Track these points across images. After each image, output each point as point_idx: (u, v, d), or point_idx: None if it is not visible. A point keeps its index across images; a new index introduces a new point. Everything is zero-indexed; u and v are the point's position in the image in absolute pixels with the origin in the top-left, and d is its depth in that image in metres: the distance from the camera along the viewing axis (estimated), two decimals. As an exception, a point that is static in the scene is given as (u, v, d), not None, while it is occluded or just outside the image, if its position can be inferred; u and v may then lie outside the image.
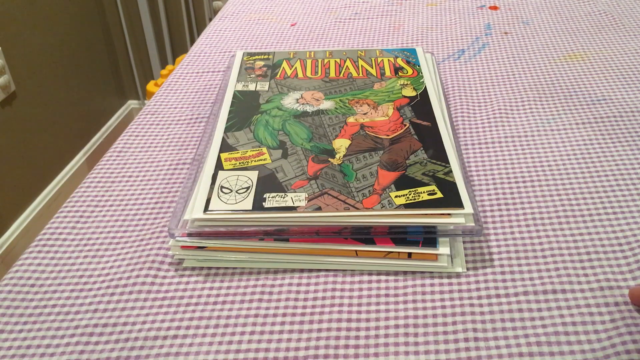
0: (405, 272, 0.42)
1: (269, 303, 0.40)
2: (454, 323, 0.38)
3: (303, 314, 0.39)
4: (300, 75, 0.60)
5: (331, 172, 0.46)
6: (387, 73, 0.60)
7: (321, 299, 0.40)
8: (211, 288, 0.42)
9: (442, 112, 0.54)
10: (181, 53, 1.91)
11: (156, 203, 0.50)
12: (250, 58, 0.63)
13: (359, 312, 0.39)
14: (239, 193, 0.44)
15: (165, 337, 0.38)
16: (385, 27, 0.80)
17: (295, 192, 0.44)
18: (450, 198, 0.43)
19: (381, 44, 0.76)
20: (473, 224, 0.41)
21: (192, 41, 1.91)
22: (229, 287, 0.42)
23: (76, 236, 0.47)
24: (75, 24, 1.71)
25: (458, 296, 0.40)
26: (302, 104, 0.55)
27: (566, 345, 0.36)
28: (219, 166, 0.47)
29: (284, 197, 0.43)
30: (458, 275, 0.42)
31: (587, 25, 0.77)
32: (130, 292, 0.41)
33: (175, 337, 0.38)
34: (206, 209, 0.42)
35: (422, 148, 0.48)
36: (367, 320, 0.39)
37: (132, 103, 2.08)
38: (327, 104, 0.55)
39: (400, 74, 0.59)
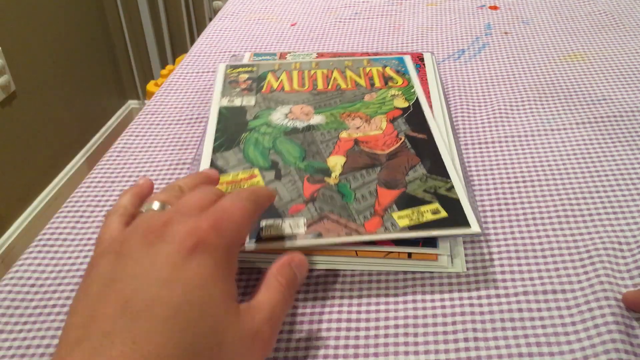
0: (405, 272, 0.42)
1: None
2: (454, 323, 0.38)
3: (303, 314, 0.39)
4: (287, 88, 0.57)
5: (328, 193, 0.44)
6: (377, 83, 0.57)
7: (321, 299, 0.40)
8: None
9: (443, 120, 0.52)
10: (181, 53, 1.92)
11: (156, 203, 0.50)
12: (234, 71, 0.60)
13: (358, 312, 0.39)
14: None
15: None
16: (385, 27, 0.80)
17: (292, 217, 0.41)
18: (456, 217, 0.41)
19: (381, 44, 0.76)
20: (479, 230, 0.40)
21: (192, 41, 1.91)
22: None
23: (76, 236, 0.47)
24: (75, 24, 1.71)
25: (458, 296, 0.40)
26: (292, 119, 0.52)
27: (566, 345, 0.36)
28: None
29: (281, 225, 0.41)
30: (458, 275, 0.42)
31: (587, 25, 0.77)
32: (130, 292, 0.41)
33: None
34: None
35: (420, 163, 0.46)
36: (367, 320, 0.39)
37: (132, 103, 2.08)
38: (317, 119, 0.52)
39: (390, 84, 0.57)
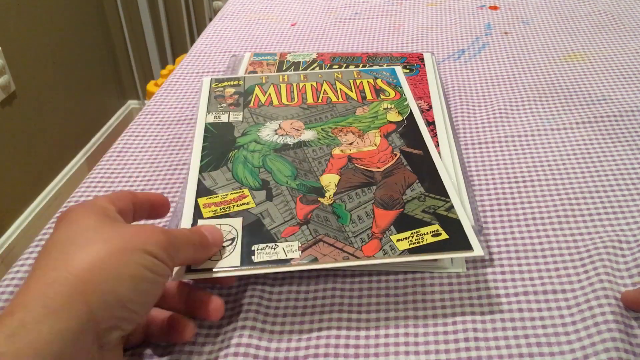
0: (405, 272, 0.42)
1: (269, 302, 0.40)
2: (454, 323, 0.38)
3: (303, 314, 0.39)
4: (275, 102, 0.54)
5: (323, 214, 0.41)
6: (369, 96, 0.55)
7: (321, 299, 0.40)
8: (211, 287, 0.42)
9: (442, 120, 0.51)
10: (181, 53, 1.91)
11: (156, 203, 0.50)
12: (219, 85, 0.57)
13: (359, 312, 0.39)
14: (223, 246, 0.39)
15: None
16: (385, 27, 0.80)
17: (286, 240, 0.39)
18: (457, 239, 0.39)
19: (381, 44, 0.76)
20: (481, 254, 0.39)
21: (192, 41, 1.91)
22: (229, 287, 0.42)
23: (76, 236, 0.47)
24: (75, 24, 1.71)
25: (458, 296, 0.40)
26: (282, 135, 0.49)
27: (566, 345, 0.36)
28: (197, 214, 0.42)
29: (274, 249, 0.39)
30: (458, 275, 0.42)
31: (587, 25, 0.77)
32: (131, 292, 0.41)
33: (183, 344, 0.38)
34: (188, 268, 0.37)
35: (417, 181, 0.44)
36: (367, 320, 0.39)
37: (132, 103, 2.08)
38: (308, 134, 0.49)
39: (382, 96, 0.55)
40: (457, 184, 0.46)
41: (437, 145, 0.50)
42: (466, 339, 0.37)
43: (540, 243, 0.44)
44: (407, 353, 0.36)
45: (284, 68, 0.64)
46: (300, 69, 0.64)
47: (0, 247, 1.46)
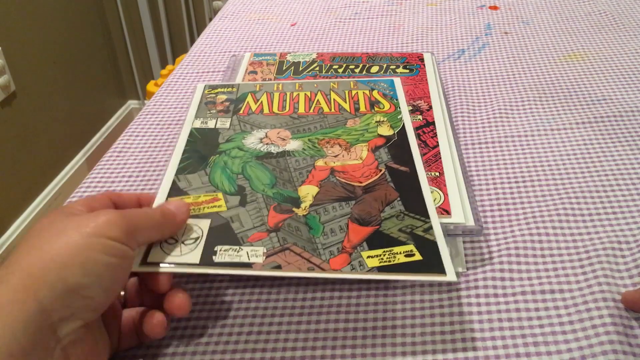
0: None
1: (267, 303, 0.40)
2: (452, 323, 0.38)
3: (301, 314, 0.39)
4: (266, 110, 0.53)
5: (295, 224, 0.40)
6: (362, 108, 0.53)
7: (319, 299, 0.40)
8: (210, 288, 0.42)
9: (443, 120, 0.50)
10: (181, 53, 1.92)
11: (155, 203, 0.50)
12: (212, 91, 0.56)
13: (356, 312, 0.39)
14: (185, 244, 0.38)
15: (163, 337, 0.38)
16: (385, 27, 0.80)
17: (252, 245, 0.38)
18: (431, 262, 0.37)
19: (381, 44, 0.76)
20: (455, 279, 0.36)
21: (192, 41, 1.91)
22: (227, 287, 0.42)
23: (75, 236, 0.47)
24: (75, 24, 1.71)
25: (456, 295, 0.40)
26: (267, 143, 0.48)
27: (564, 344, 0.36)
28: None
29: (238, 252, 0.37)
30: (458, 274, 0.42)
31: (587, 25, 0.77)
32: (129, 292, 0.41)
33: (172, 337, 0.38)
34: (144, 260, 0.36)
35: (398, 198, 0.42)
36: (365, 320, 0.39)
37: (132, 103, 2.08)
38: (294, 144, 0.48)
39: (376, 108, 0.53)
40: (457, 184, 0.46)
41: (436, 145, 0.50)
42: (464, 339, 0.37)
43: (540, 242, 0.44)
44: (404, 353, 0.36)
45: (284, 68, 0.64)
46: (300, 69, 0.64)
47: (0, 247, 1.46)
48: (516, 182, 0.50)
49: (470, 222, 0.42)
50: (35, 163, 1.58)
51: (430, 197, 0.43)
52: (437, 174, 0.47)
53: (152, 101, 0.65)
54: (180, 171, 0.45)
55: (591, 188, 0.49)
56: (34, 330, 0.27)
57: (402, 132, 0.49)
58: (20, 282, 0.28)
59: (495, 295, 0.40)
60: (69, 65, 1.69)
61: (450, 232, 0.42)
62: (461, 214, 0.42)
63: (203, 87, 0.57)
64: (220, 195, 0.42)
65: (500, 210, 0.47)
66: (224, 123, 0.51)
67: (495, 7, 0.84)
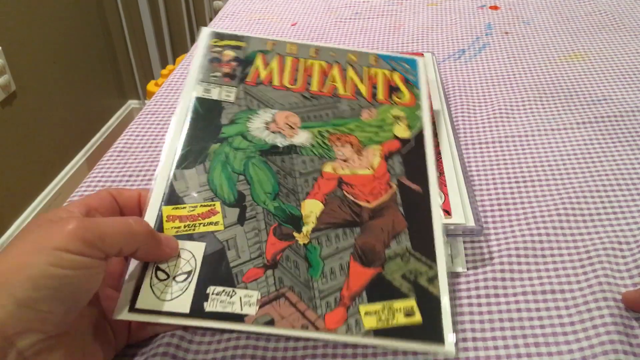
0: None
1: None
2: (453, 323, 0.38)
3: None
4: (275, 81, 0.46)
5: (294, 257, 0.37)
6: (380, 95, 0.47)
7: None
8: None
9: (446, 133, 0.45)
10: (181, 53, 1.92)
11: (156, 203, 0.50)
12: (219, 43, 0.48)
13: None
14: (177, 281, 0.34)
15: (162, 336, 0.38)
16: (385, 27, 0.80)
17: (246, 287, 0.35)
18: (430, 326, 0.34)
19: (381, 44, 0.76)
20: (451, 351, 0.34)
21: (193, 41, 1.91)
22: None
23: (76, 236, 0.47)
24: (75, 23, 1.71)
25: (458, 296, 0.40)
26: (273, 131, 0.43)
27: (564, 345, 0.36)
28: (158, 229, 0.37)
29: (231, 297, 0.34)
30: (458, 274, 0.42)
31: (588, 25, 0.77)
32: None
33: (172, 335, 0.38)
34: (132, 306, 0.33)
35: (406, 229, 0.39)
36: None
37: (132, 103, 2.08)
38: (302, 137, 0.43)
39: (395, 97, 0.47)
40: (458, 184, 0.46)
41: (437, 145, 0.48)
42: (464, 339, 0.37)
43: (541, 242, 0.44)
44: (406, 353, 0.36)
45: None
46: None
47: (0, 247, 1.46)
48: (516, 182, 0.50)
49: (471, 222, 0.42)
50: (35, 163, 1.58)
51: (441, 231, 0.39)
52: (438, 173, 0.45)
53: (153, 101, 0.65)
54: (179, 163, 0.40)
55: (592, 188, 0.49)
56: None
57: (420, 138, 0.45)
58: None
59: (496, 296, 0.40)
60: (69, 65, 1.69)
61: (450, 232, 0.42)
62: (461, 214, 0.42)
63: (209, 34, 0.49)
64: (218, 206, 0.38)
65: (500, 210, 0.47)
66: (228, 94, 0.45)
67: (495, 7, 0.84)
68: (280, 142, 0.43)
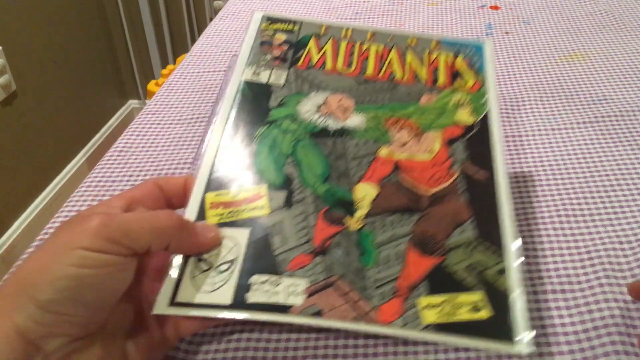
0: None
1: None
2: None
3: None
4: (329, 65, 0.44)
5: (345, 243, 0.34)
6: (441, 80, 0.43)
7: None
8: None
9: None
10: (182, 53, 1.92)
11: (156, 203, 0.50)
12: (271, 26, 0.46)
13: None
14: (219, 271, 0.33)
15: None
16: (386, 26, 0.80)
17: (292, 275, 0.32)
18: (499, 323, 0.31)
19: (382, 43, 0.76)
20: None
21: (193, 41, 1.91)
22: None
23: (76, 236, 0.47)
24: (75, 23, 1.71)
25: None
26: (325, 114, 0.40)
27: (565, 345, 0.36)
28: (200, 217, 0.35)
29: (275, 287, 0.32)
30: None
31: (588, 25, 0.77)
32: (130, 292, 0.41)
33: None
34: (173, 300, 0.32)
35: (472, 219, 0.35)
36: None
37: (132, 103, 2.08)
38: (356, 120, 0.40)
39: (458, 83, 0.43)
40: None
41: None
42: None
43: (541, 242, 0.44)
44: (406, 353, 0.36)
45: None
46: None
47: (1, 247, 1.46)
48: (517, 182, 0.50)
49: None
50: (36, 163, 1.58)
51: (510, 220, 0.36)
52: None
53: (153, 101, 0.65)
54: (225, 146, 0.38)
55: (592, 188, 0.49)
56: (12, 350, 0.27)
57: (485, 122, 0.41)
58: None
59: (497, 295, 0.40)
60: (70, 65, 1.69)
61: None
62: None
63: (260, 17, 0.47)
64: (263, 189, 0.36)
65: (501, 210, 0.47)
66: (278, 77, 0.43)
67: (496, 7, 0.84)
68: (332, 124, 0.40)
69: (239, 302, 0.32)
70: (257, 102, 0.41)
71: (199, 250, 0.33)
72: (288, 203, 0.35)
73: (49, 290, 0.27)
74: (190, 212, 0.35)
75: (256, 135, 0.39)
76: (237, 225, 0.35)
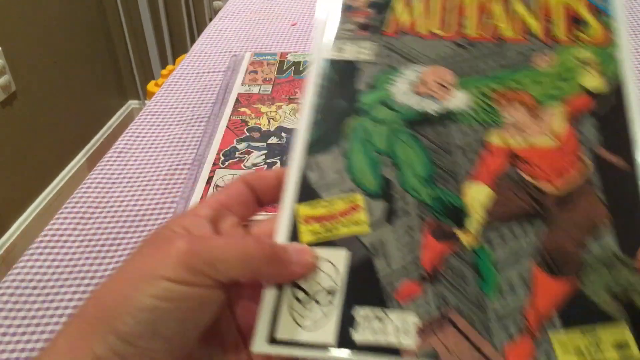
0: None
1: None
2: None
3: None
4: (421, 29, 0.35)
5: (458, 265, 0.27)
6: (559, 32, 0.34)
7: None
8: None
9: None
10: (181, 53, 1.92)
11: (157, 204, 0.50)
12: None
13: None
14: (319, 303, 0.28)
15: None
16: None
17: (401, 308, 0.27)
18: None
19: (382, 43, 0.75)
20: None
21: (193, 41, 1.91)
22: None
23: (77, 237, 0.47)
24: (75, 23, 1.71)
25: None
26: (422, 95, 0.33)
27: (567, 346, 0.36)
28: (293, 236, 0.29)
29: (382, 321, 0.26)
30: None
31: (588, 25, 0.77)
32: (131, 293, 0.41)
33: None
34: (272, 335, 0.27)
35: (611, 225, 0.27)
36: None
37: (132, 103, 2.08)
38: (459, 99, 0.32)
39: (580, 33, 0.33)
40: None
41: None
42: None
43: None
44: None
45: (284, 68, 0.64)
46: (301, 68, 0.63)
47: (1, 247, 1.47)
48: (518, 182, 0.50)
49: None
50: (36, 163, 1.58)
51: None
52: None
53: (153, 101, 0.65)
54: (312, 148, 0.31)
55: (593, 188, 0.49)
56: None
57: (619, 88, 0.31)
58: (79, 333, 0.26)
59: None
60: (70, 65, 1.69)
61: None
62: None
63: None
64: (359, 198, 0.30)
65: (502, 210, 0.47)
66: (364, 51, 0.35)
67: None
68: (433, 107, 0.32)
69: (344, 341, 0.27)
70: (343, 86, 0.34)
71: (294, 279, 0.29)
72: (388, 215, 0.29)
73: (130, 321, 0.26)
74: (281, 233, 0.29)
75: (346, 129, 0.32)
76: (333, 245, 0.29)
